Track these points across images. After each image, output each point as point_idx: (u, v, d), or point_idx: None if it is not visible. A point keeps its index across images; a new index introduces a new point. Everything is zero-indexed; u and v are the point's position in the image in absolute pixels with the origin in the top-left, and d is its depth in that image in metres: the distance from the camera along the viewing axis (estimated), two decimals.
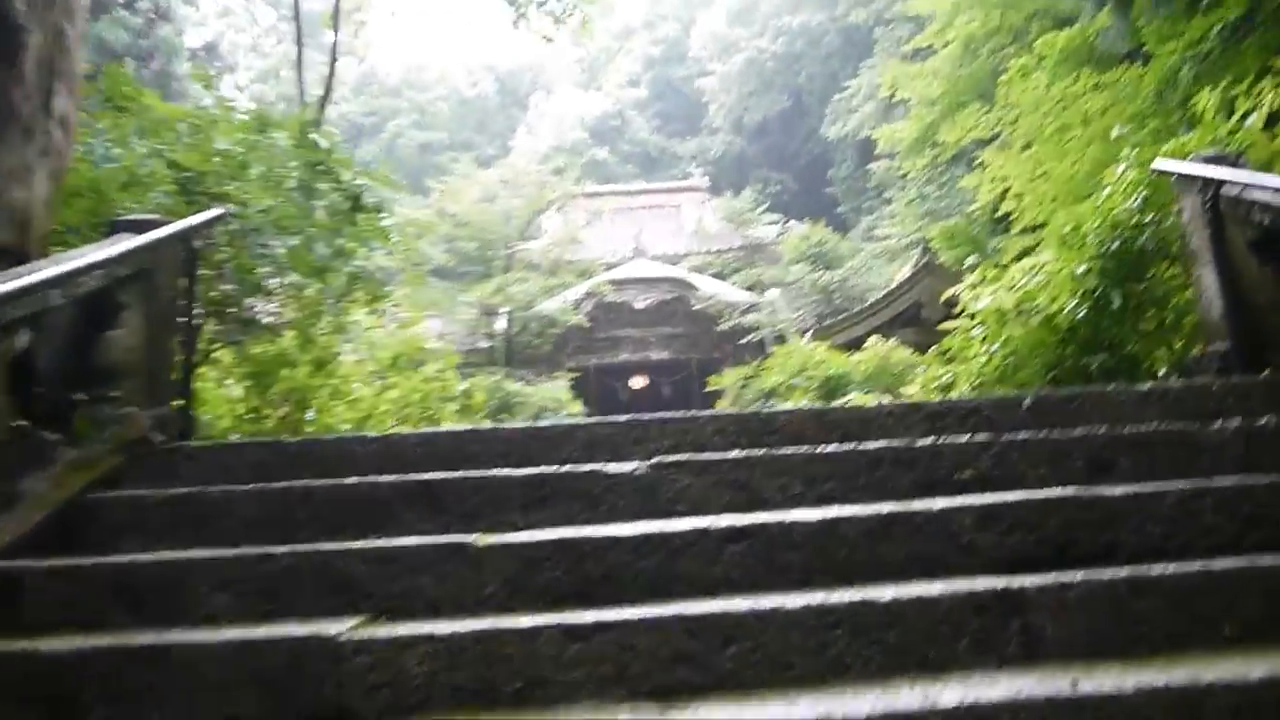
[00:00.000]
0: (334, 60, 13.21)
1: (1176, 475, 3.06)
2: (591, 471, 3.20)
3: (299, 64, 13.32)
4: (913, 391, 8.48)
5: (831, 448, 3.29)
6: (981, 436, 3.28)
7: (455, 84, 61.80)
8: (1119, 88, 11.08)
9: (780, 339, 20.72)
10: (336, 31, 13.58)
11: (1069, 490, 2.86)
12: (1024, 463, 3.19)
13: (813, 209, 37.23)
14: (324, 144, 5.17)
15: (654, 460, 3.23)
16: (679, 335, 24.92)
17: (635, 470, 3.19)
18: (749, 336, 21.77)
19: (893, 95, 21.52)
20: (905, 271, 17.82)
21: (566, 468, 3.25)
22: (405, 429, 4.28)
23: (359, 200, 5.19)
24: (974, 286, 5.48)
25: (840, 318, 17.84)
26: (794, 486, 3.17)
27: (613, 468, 3.21)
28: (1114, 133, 5.74)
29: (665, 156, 54.07)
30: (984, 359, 5.09)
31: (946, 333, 17.53)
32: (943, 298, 5.85)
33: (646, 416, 3.69)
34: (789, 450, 3.28)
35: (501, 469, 3.32)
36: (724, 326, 22.44)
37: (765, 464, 3.21)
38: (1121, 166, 5.01)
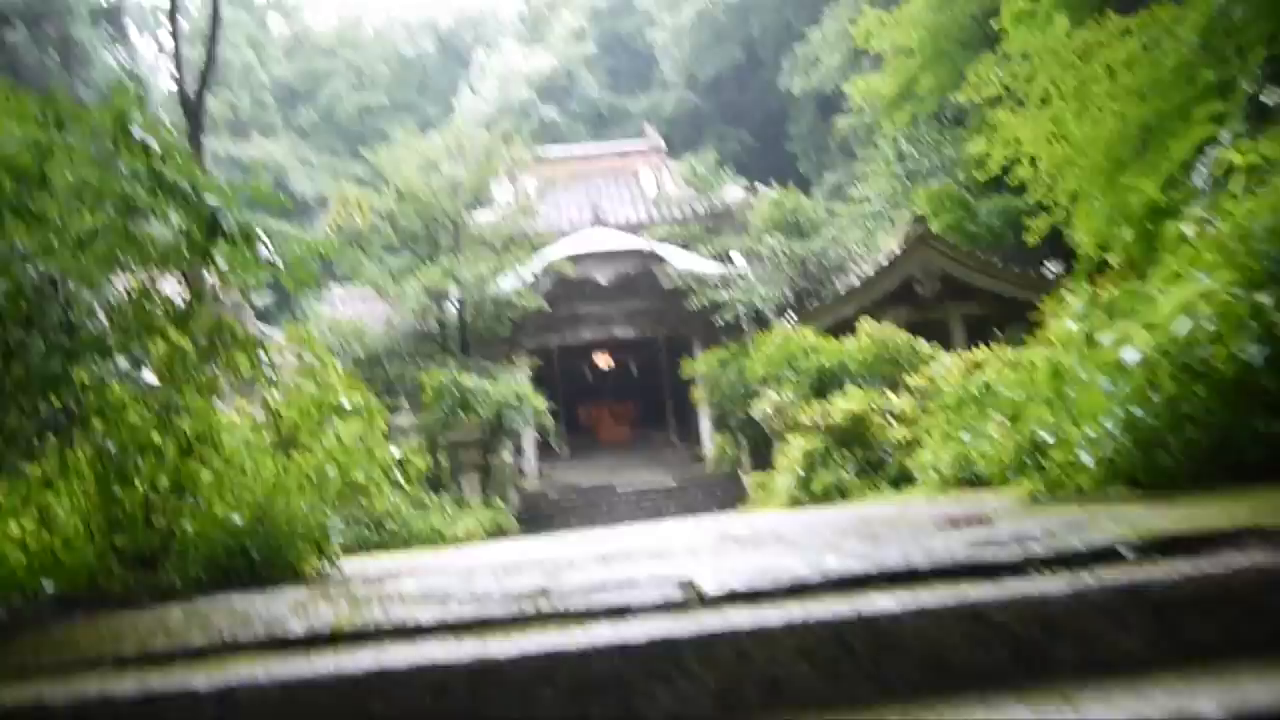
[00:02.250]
0: (215, 23, 11.15)
1: None
2: None
3: (174, 20, 11.09)
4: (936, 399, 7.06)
5: None
6: None
7: (393, 42, 59.09)
8: (1150, 32, 9.60)
9: (756, 315, 19.20)
10: None
11: None
12: None
13: (772, 166, 35.76)
14: (155, 145, 3.48)
15: None
16: (645, 311, 23.30)
17: None
18: (722, 313, 20.18)
19: (866, 48, 19.91)
20: (894, 243, 16.33)
21: None
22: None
23: (215, 225, 3.54)
24: (1082, 319, 3.99)
25: (827, 301, 16.29)
26: None
27: None
28: None
29: (616, 114, 52.19)
30: (1119, 425, 3.62)
31: (941, 311, 15.90)
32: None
33: (679, 633, 2.15)
34: None
35: None
36: (693, 301, 20.85)
37: None
38: None
